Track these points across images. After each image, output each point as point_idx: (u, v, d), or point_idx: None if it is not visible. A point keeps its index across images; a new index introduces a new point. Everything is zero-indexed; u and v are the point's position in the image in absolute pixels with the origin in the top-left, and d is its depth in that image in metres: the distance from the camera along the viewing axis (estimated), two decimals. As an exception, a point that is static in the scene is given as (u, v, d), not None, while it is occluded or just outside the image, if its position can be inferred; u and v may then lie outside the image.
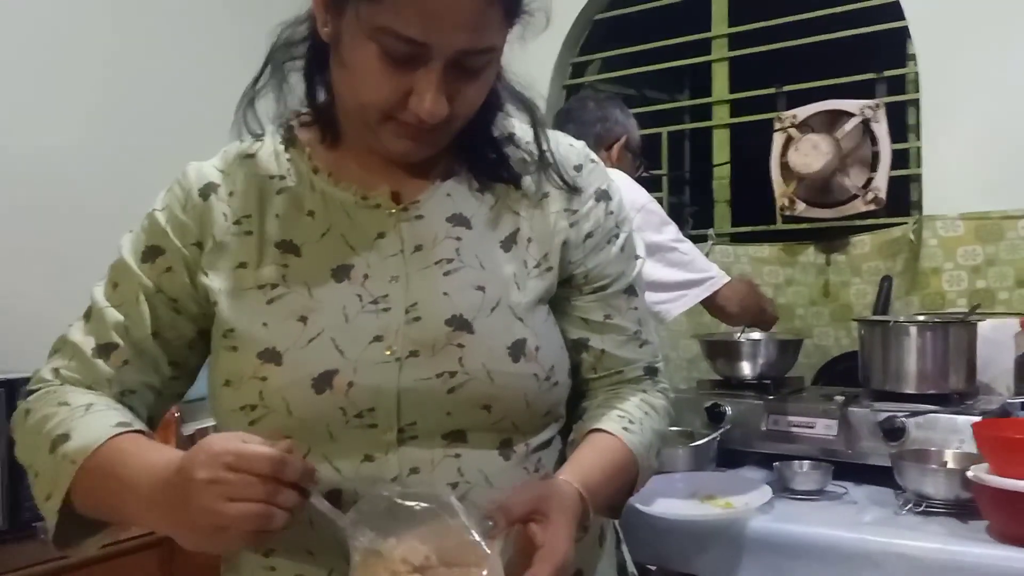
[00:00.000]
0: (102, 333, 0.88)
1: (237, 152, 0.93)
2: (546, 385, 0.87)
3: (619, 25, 2.75)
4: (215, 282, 0.87)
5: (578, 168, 0.95)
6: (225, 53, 2.37)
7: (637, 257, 0.98)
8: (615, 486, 0.89)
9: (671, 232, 1.72)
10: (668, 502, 1.60)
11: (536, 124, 0.94)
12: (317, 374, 0.81)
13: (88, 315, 0.90)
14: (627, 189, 1.71)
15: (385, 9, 0.75)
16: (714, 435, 1.84)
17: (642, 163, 2.01)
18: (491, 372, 0.83)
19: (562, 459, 0.92)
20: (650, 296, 1.64)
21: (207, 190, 0.90)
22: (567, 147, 0.96)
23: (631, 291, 0.97)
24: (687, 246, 1.71)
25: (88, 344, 0.88)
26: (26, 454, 0.85)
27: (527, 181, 0.92)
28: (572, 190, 0.93)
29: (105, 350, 0.87)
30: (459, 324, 0.84)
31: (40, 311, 1.99)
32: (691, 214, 2.93)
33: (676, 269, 1.68)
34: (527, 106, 0.93)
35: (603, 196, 0.96)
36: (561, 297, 0.93)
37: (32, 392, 0.88)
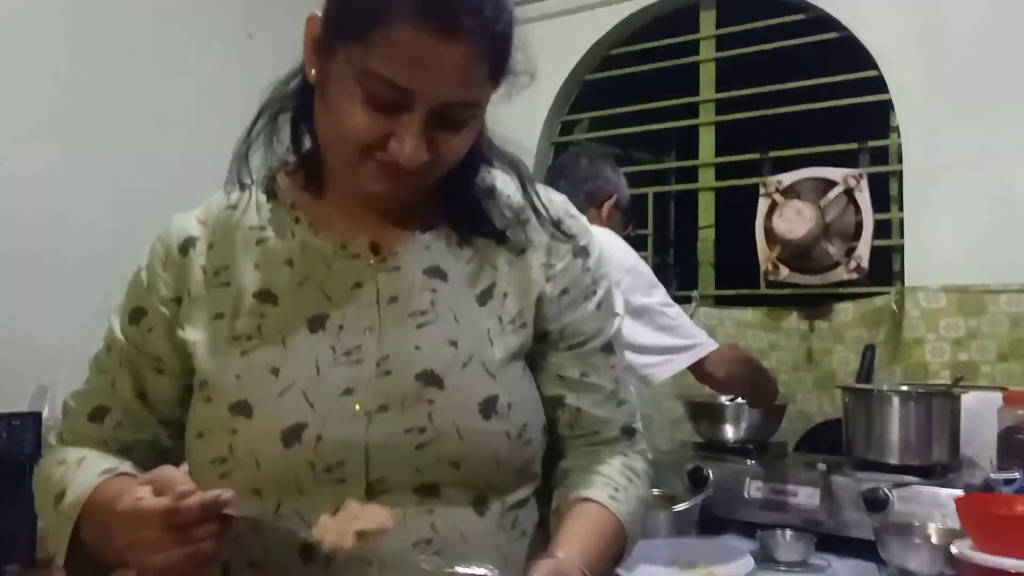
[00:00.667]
0: (95, 398, 0.93)
1: (219, 203, 0.94)
2: (518, 443, 0.86)
3: (609, 86, 2.79)
4: (191, 335, 0.88)
5: (557, 223, 0.96)
6: (222, 98, 2.38)
7: (616, 315, 0.98)
8: (609, 559, 0.89)
9: (659, 295, 1.71)
10: (650, 569, 1.57)
11: (524, 180, 0.94)
12: (286, 427, 0.81)
13: (87, 380, 0.96)
14: (616, 249, 1.71)
15: (375, 54, 0.76)
16: (696, 500, 1.82)
17: (631, 222, 2.02)
18: (460, 429, 0.83)
19: (542, 521, 0.91)
20: (636, 359, 1.64)
21: (186, 245, 0.91)
22: (547, 201, 0.96)
23: (609, 349, 0.96)
24: (675, 310, 1.70)
25: (83, 409, 0.93)
26: (40, 513, 0.92)
27: (508, 235, 0.93)
28: (568, 237, 0.94)
29: (98, 414, 0.92)
30: (429, 379, 0.84)
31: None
32: (675, 275, 2.94)
33: (663, 333, 1.67)
34: (512, 164, 0.94)
35: (581, 252, 0.96)
36: (537, 353, 0.93)
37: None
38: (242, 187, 0.93)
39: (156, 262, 0.92)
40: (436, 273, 0.90)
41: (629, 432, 0.96)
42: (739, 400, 1.99)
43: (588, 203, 1.90)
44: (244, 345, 0.85)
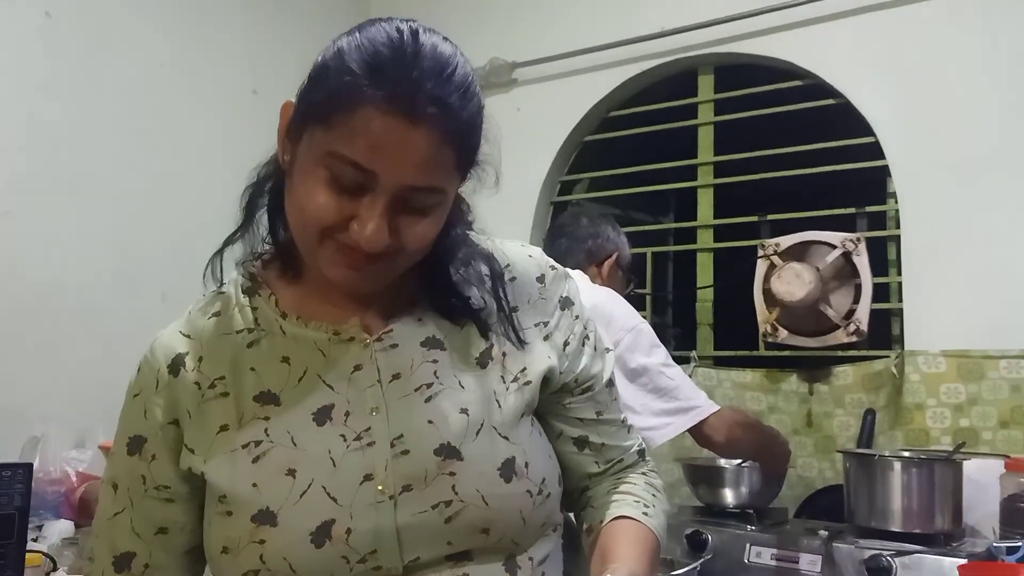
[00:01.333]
0: (116, 544, 0.90)
1: (200, 311, 0.93)
2: (539, 499, 0.88)
3: (608, 146, 2.83)
4: (199, 453, 0.87)
5: (540, 279, 0.98)
6: (227, 155, 2.41)
7: (608, 350, 1.02)
8: (656, 569, 0.93)
9: (660, 356, 1.70)
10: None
11: (495, 278, 0.94)
12: (315, 528, 0.81)
13: (99, 529, 0.92)
14: (618, 309, 1.71)
15: (338, 136, 0.77)
16: (695, 564, 1.79)
17: (632, 281, 2.02)
18: (485, 496, 0.83)
19: (562, 566, 0.94)
20: (638, 421, 1.62)
21: (176, 364, 0.90)
22: (526, 259, 0.98)
23: (611, 383, 1.02)
24: (675, 371, 1.69)
25: (107, 560, 0.91)
26: None
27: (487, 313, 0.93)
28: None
29: (124, 561, 0.90)
30: (448, 452, 0.84)
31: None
32: (674, 336, 2.94)
33: (662, 395, 1.66)
34: (484, 257, 0.95)
35: (567, 303, 0.99)
36: (555, 402, 0.96)
37: None
38: (220, 287, 0.94)
39: (148, 386, 0.90)
40: (434, 344, 0.90)
41: (642, 453, 1.03)
42: (743, 463, 1.97)
43: (589, 261, 1.91)
44: (254, 452, 0.85)
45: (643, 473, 1.02)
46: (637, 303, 2.71)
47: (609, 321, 1.66)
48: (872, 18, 2.32)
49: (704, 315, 2.64)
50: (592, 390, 0.98)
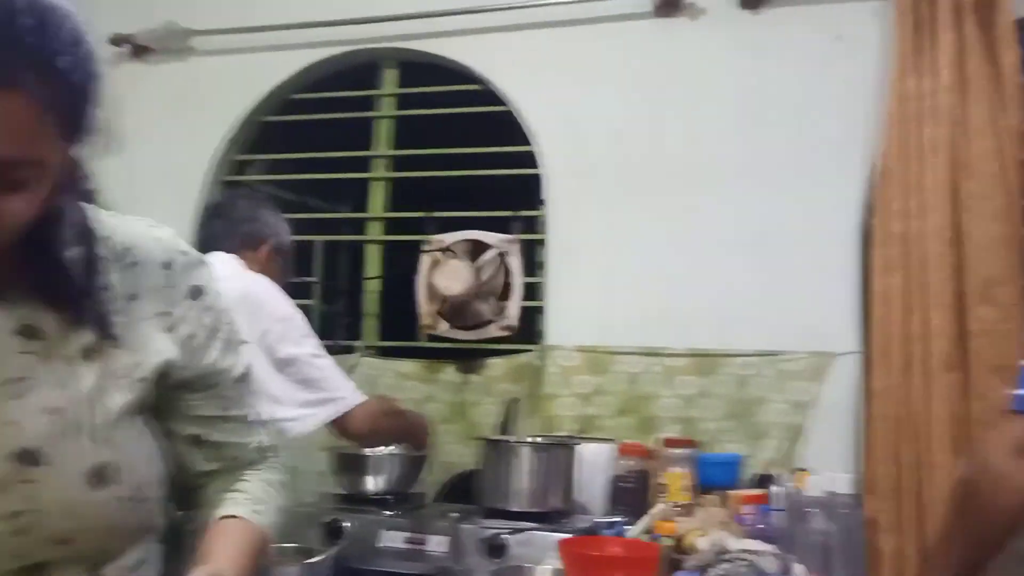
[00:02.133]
0: None
1: None
2: (133, 505, 0.82)
3: (288, 130, 2.77)
4: None
5: (167, 265, 0.90)
6: None
7: (243, 343, 0.98)
8: (255, 566, 0.92)
9: (310, 346, 1.67)
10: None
11: (108, 261, 0.86)
12: None
13: None
14: (270, 297, 1.67)
15: None
16: (329, 552, 1.79)
17: (291, 268, 1.97)
18: (68, 505, 0.77)
19: (160, 569, 0.90)
20: (277, 411, 1.59)
21: None
22: (152, 242, 0.90)
23: (243, 378, 0.97)
24: (324, 362, 1.67)
25: None
26: None
27: (100, 294, 0.84)
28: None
29: None
30: (25, 458, 0.76)
31: None
32: (344, 325, 2.95)
33: (309, 386, 1.63)
34: (98, 237, 0.86)
35: (197, 293, 0.92)
36: (173, 399, 0.90)
37: None
38: None
39: None
40: (30, 333, 0.81)
41: (264, 449, 1.00)
42: (386, 450, 2.02)
43: (245, 246, 1.83)
44: None
45: (262, 469, 0.99)
46: (305, 291, 2.70)
47: (259, 309, 1.62)
48: (541, 33, 2.49)
49: (371, 306, 2.68)
50: (217, 386, 0.93)
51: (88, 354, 0.83)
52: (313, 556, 1.78)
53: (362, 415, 1.70)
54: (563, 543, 1.61)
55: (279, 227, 1.93)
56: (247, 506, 0.94)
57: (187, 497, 0.97)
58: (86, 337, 0.83)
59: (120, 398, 0.83)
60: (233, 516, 0.92)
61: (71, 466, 0.78)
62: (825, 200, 2.20)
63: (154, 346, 0.87)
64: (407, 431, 1.96)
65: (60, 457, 0.78)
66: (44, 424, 0.78)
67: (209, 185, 2.67)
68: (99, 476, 0.79)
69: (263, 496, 0.96)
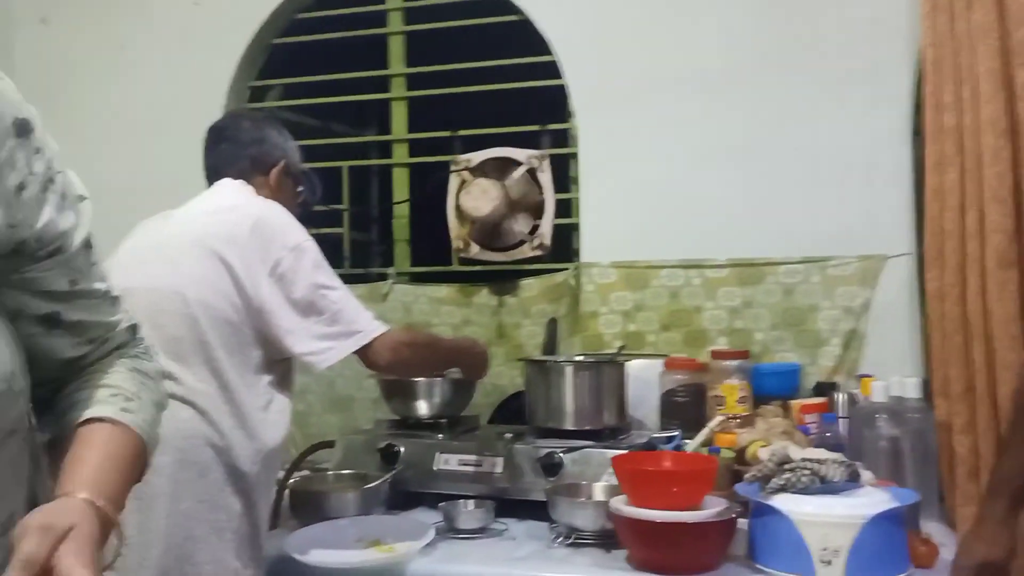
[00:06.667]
0: None
1: None
2: (7, 399, 0.73)
3: (303, 52, 2.68)
4: None
5: None
6: None
7: (82, 198, 0.82)
8: (128, 479, 0.80)
9: (323, 276, 1.59)
10: (326, 551, 1.54)
11: None
12: None
13: None
14: (281, 224, 1.60)
15: None
16: (385, 477, 1.81)
17: (305, 190, 1.89)
18: None
19: (27, 476, 0.79)
20: (295, 345, 1.55)
21: None
22: None
23: (87, 244, 0.81)
24: (339, 293, 1.59)
25: None
26: None
27: None
28: None
29: None
30: None
31: None
32: (379, 252, 2.91)
33: (324, 318, 1.55)
34: None
35: (23, 129, 0.75)
36: (11, 270, 0.76)
37: None
38: None
39: None
40: None
41: (133, 329, 0.88)
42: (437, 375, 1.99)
43: (254, 169, 1.75)
44: None
45: (131, 356, 0.86)
46: (335, 219, 2.65)
47: (271, 238, 1.55)
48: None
49: (401, 232, 2.64)
50: (61, 252, 0.78)
51: None
52: (370, 481, 1.81)
53: (383, 347, 1.61)
54: (617, 459, 1.61)
55: (288, 147, 1.83)
56: (115, 404, 0.80)
57: (43, 400, 0.83)
58: None
59: None
60: (99, 419, 0.79)
61: None
62: (870, 95, 2.12)
63: None
64: (444, 361, 1.91)
65: None
66: None
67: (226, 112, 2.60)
68: None
69: (133, 390, 0.83)
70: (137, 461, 0.81)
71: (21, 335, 0.78)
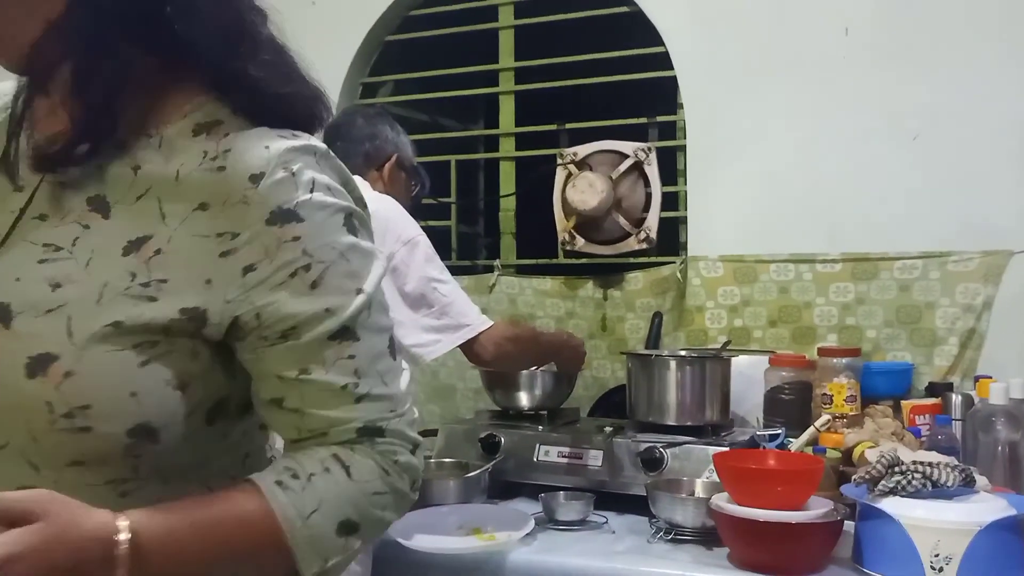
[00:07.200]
0: None
1: None
2: (65, 424, 0.70)
3: (413, 49, 2.75)
4: None
5: (255, 178, 0.76)
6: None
7: (356, 291, 0.79)
8: (216, 545, 0.71)
9: (434, 270, 1.64)
10: (430, 537, 1.58)
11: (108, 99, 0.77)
12: None
13: None
14: (395, 219, 1.65)
15: None
16: (486, 467, 1.84)
17: (419, 183, 1.94)
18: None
19: None
20: (405, 337, 1.60)
21: None
22: (258, 152, 0.77)
23: (343, 335, 0.77)
24: (449, 287, 1.64)
25: None
26: None
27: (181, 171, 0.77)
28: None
29: None
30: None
31: None
32: (485, 245, 2.96)
33: (434, 311, 1.60)
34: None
35: (284, 217, 0.76)
36: (245, 349, 0.77)
37: None
38: None
39: None
40: (99, 205, 0.76)
41: (373, 432, 0.79)
42: (538, 368, 2.02)
43: (368, 165, 1.81)
44: None
45: (352, 450, 0.78)
46: (443, 212, 2.71)
47: (385, 232, 1.60)
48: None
49: (507, 224, 2.67)
50: (295, 338, 0.76)
51: (129, 249, 0.75)
52: (471, 470, 1.84)
53: (487, 341, 1.64)
54: (718, 456, 1.59)
55: (400, 141, 1.88)
56: (272, 475, 0.74)
57: None
58: (141, 231, 0.75)
59: (120, 304, 0.73)
60: (248, 481, 0.74)
61: (27, 342, 0.71)
62: (993, 80, 2.01)
63: (195, 269, 0.74)
64: (545, 355, 1.93)
65: (24, 329, 0.72)
66: (36, 292, 0.73)
67: (341, 109, 2.69)
68: (40, 365, 0.70)
69: (308, 470, 0.75)
70: (253, 537, 0.72)
71: (261, 408, 0.80)
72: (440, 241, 2.30)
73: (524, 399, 2.04)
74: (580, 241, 2.44)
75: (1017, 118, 2.00)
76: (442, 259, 1.68)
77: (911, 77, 2.09)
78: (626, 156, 2.36)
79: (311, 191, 0.77)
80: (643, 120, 2.46)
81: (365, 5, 2.69)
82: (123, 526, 0.66)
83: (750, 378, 2.02)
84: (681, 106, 2.35)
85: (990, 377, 1.74)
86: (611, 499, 1.75)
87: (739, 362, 1.98)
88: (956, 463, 1.41)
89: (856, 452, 1.61)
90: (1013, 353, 1.95)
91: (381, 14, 2.67)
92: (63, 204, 0.77)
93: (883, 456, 1.44)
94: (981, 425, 1.62)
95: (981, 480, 1.42)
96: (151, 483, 0.75)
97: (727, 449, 1.70)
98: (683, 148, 2.36)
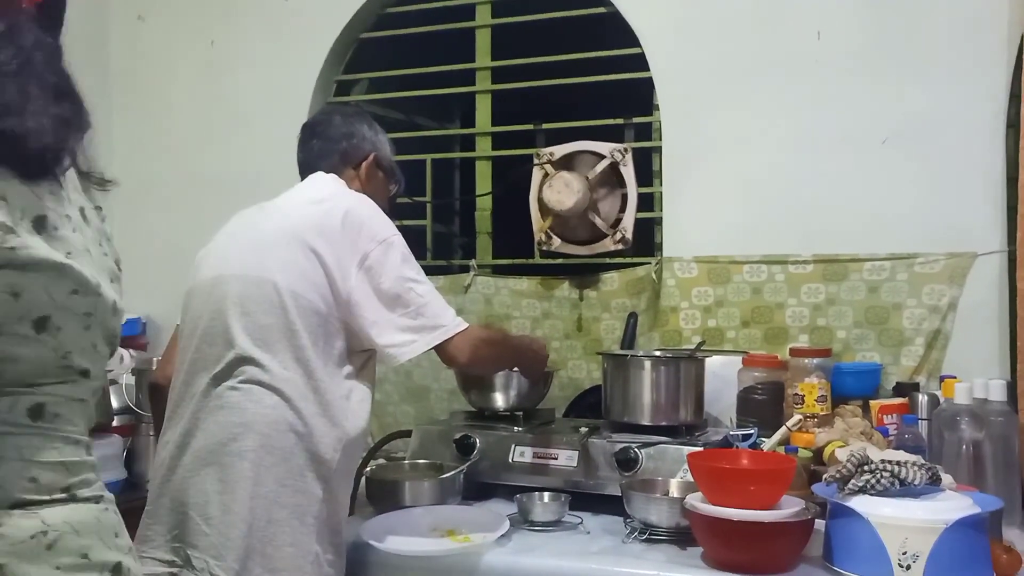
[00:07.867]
0: None
1: None
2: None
3: (389, 46, 2.74)
4: None
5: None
6: None
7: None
8: None
9: (410, 271, 1.62)
10: (403, 539, 1.58)
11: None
12: None
13: None
14: (370, 218, 1.63)
15: None
16: (461, 468, 1.85)
17: (397, 182, 1.93)
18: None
19: None
20: (383, 337, 1.59)
21: None
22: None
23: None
24: (424, 288, 1.62)
25: None
26: None
27: None
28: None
29: None
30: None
31: None
32: (460, 245, 2.96)
33: (408, 312, 1.59)
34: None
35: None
36: None
37: None
38: None
39: None
40: None
41: None
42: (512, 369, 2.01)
43: (345, 163, 1.79)
44: None
45: None
46: (419, 211, 2.71)
47: (360, 231, 1.59)
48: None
49: (483, 224, 2.67)
50: None
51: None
52: (445, 471, 1.85)
53: (462, 343, 1.62)
54: (693, 456, 1.60)
55: (378, 140, 1.86)
56: None
57: None
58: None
59: None
60: None
61: None
62: (962, 87, 2.05)
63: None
64: (515, 359, 1.92)
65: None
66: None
67: (314, 107, 2.68)
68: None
69: None
70: None
71: None
72: (415, 241, 2.29)
73: (499, 400, 2.04)
74: (556, 241, 2.45)
75: (983, 124, 2.04)
76: (417, 259, 1.67)
77: (881, 82, 2.12)
78: (603, 157, 2.37)
79: None
80: (620, 121, 2.47)
81: (339, 3, 2.67)
82: None
83: (723, 378, 2.04)
84: (657, 107, 2.37)
85: (955, 377, 1.78)
86: (586, 499, 1.76)
87: (713, 362, 2.00)
88: (923, 462, 1.44)
89: (827, 451, 1.63)
90: (977, 354, 2.00)
91: (356, 11, 2.66)
92: None
93: (853, 455, 1.47)
94: (946, 424, 1.65)
95: (947, 478, 1.44)
96: None
97: (701, 449, 1.72)
98: (659, 149, 2.38)
